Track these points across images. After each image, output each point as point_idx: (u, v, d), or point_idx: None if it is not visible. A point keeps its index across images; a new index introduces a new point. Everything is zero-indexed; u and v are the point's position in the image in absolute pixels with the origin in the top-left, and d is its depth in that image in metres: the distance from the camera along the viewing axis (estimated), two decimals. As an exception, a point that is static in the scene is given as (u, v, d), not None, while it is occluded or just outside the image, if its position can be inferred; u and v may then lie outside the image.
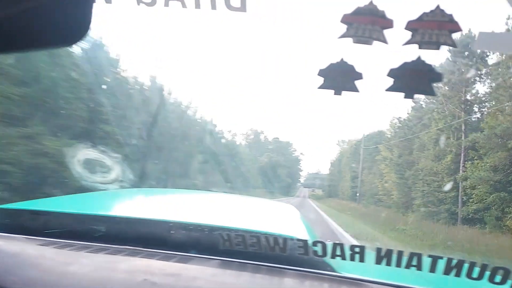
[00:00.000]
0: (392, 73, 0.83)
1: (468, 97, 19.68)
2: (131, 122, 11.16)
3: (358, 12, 0.78)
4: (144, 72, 21.67)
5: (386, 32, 0.79)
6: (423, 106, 23.97)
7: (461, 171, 18.13)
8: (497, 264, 1.02)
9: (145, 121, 12.35)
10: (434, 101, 21.33)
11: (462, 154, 18.58)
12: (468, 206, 17.42)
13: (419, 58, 0.80)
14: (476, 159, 17.05)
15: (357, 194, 37.60)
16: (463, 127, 19.35)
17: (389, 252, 1.11)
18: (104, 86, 9.88)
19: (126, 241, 1.20)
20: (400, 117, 29.17)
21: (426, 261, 1.06)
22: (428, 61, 0.80)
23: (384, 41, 0.80)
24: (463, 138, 18.79)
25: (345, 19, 0.79)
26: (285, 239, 1.14)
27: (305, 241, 1.15)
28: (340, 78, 0.86)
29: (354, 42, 0.81)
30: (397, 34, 0.80)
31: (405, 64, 0.81)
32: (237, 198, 2.62)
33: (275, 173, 60.26)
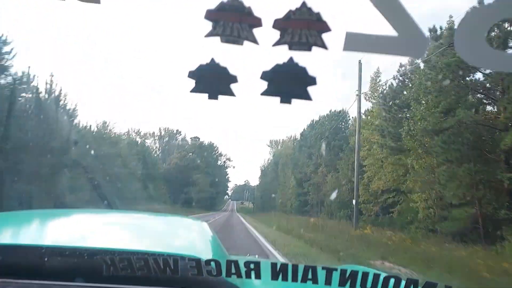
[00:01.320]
0: (265, 76, 0.77)
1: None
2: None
3: (223, 8, 0.71)
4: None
5: (256, 31, 0.73)
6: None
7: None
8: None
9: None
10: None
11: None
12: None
13: (291, 60, 0.75)
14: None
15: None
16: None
17: (284, 267, 1.06)
18: None
19: None
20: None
21: (321, 274, 1.04)
22: (301, 64, 0.76)
23: (254, 40, 0.73)
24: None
25: (210, 16, 0.71)
26: (176, 259, 1.04)
27: (197, 260, 1.06)
28: (213, 81, 0.79)
29: (223, 41, 0.74)
30: (268, 34, 0.74)
31: (278, 66, 0.76)
32: (134, 216, 2.40)
33: (194, 184, 53.51)
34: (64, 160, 15.22)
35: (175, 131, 67.03)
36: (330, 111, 39.84)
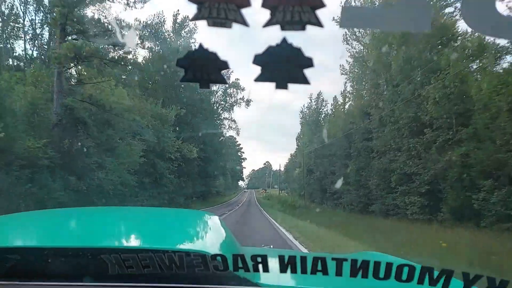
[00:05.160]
0: (257, 60, 0.72)
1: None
2: None
3: (207, -12, 0.66)
4: None
5: (245, 11, 0.68)
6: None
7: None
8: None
9: None
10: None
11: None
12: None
13: (284, 41, 0.70)
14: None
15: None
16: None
17: (292, 259, 1.03)
18: None
19: None
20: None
21: (331, 264, 1.00)
22: (295, 45, 0.71)
23: (243, 22, 0.68)
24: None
25: (194, -2, 0.67)
26: (181, 256, 1.01)
27: (203, 255, 1.03)
28: (203, 68, 0.74)
29: (210, 25, 0.69)
30: (258, 14, 0.69)
31: (270, 48, 0.71)
32: (142, 212, 2.37)
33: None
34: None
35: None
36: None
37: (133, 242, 1.32)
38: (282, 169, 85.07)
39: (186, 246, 1.29)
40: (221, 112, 50.79)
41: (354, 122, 30.64)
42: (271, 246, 2.85)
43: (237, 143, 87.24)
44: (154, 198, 24.08)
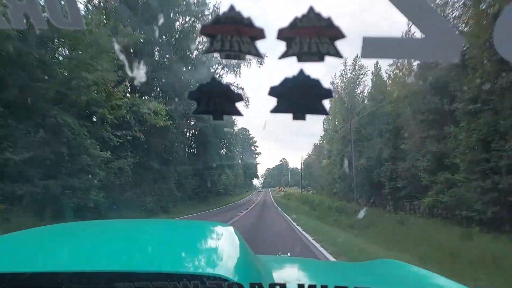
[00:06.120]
0: (273, 91, 0.68)
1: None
2: None
3: (219, 21, 0.62)
4: None
5: (259, 43, 0.65)
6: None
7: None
8: None
9: None
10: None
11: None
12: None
13: (301, 72, 0.66)
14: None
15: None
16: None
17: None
18: None
19: None
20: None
21: None
22: (312, 76, 0.67)
23: (257, 54, 0.65)
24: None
25: (206, 31, 0.63)
26: (197, 284, 0.98)
27: (218, 283, 1.00)
28: (216, 101, 0.71)
29: (222, 57, 0.65)
30: (273, 46, 0.65)
31: (287, 80, 0.67)
32: (145, 225, 2.14)
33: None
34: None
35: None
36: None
37: (140, 264, 1.23)
38: (300, 166, 71.09)
39: (200, 268, 1.24)
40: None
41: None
42: (288, 254, 2.74)
43: (250, 135, 79.50)
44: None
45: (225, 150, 41.38)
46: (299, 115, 0.71)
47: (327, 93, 0.68)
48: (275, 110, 0.70)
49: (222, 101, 0.71)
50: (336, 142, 39.07)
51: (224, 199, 39.87)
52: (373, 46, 0.61)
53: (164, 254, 1.31)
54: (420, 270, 1.99)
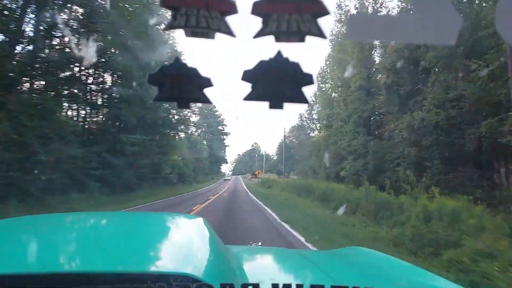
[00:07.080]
0: (247, 76, 0.60)
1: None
2: None
3: (183, -9, 0.53)
4: None
5: (230, 19, 0.56)
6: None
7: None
8: None
9: None
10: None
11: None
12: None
13: (279, 54, 0.58)
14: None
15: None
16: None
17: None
18: None
19: None
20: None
21: None
22: (292, 59, 0.59)
23: (228, 32, 0.56)
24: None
25: (168, 3, 0.54)
26: (162, 286, 0.89)
27: (186, 285, 0.92)
28: (181, 86, 0.61)
29: (188, 35, 0.56)
30: (246, 22, 0.56)
31: (262, 63, 0.58)
32: (113, 218, 1.99)
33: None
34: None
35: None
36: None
37: (105, 263, 1.10)
38: (280, 144, 60.11)
39: (165, 267, 1.15)
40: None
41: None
42: (260, 244, 2.66)
43: (217, 112, 68.12)
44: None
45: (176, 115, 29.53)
46: (276, 104, 0.63)
47: (308, 79, 0.60)
48: (249, 98, 0.62)
49: (188, 86, 0.62)
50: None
51: (175, 190, 27.59)
52: (361, 27, 0.53)
53: (125, 252, 1.19)
54: (389, 257, 2.04)
